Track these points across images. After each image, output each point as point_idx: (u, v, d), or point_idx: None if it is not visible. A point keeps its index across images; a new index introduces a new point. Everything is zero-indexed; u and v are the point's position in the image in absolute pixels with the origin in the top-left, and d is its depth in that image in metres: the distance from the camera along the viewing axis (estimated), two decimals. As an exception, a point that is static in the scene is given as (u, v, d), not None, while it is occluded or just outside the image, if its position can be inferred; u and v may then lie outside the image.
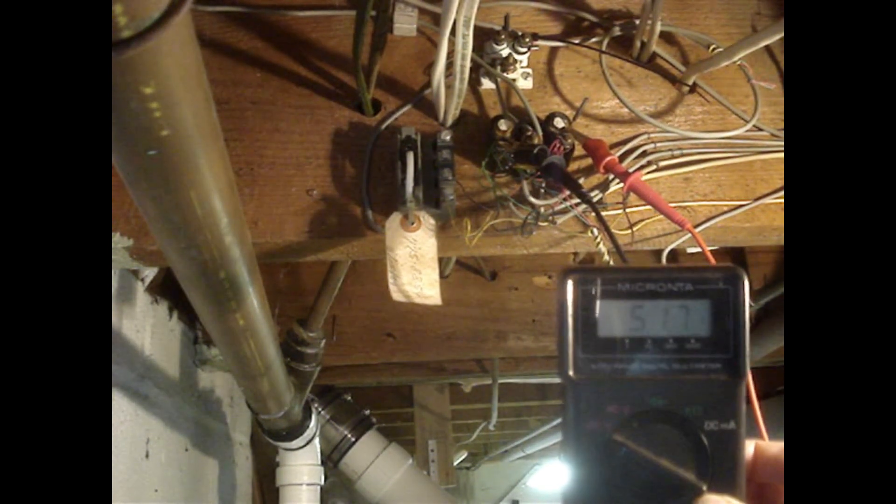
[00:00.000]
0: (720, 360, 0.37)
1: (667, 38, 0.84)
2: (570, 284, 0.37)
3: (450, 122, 0.77)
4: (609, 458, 0.36)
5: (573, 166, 0.76)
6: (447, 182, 0.70)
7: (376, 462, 1.53)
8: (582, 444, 0.37)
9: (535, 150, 0.69)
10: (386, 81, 0.79)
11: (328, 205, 0.74)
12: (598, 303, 0.37)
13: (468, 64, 0.67)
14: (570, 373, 0.37)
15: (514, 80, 0.79)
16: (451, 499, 1.67)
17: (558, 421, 2.23)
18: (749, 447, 0.39)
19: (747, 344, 0.37)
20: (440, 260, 0.87)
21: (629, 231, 0.75)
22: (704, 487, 0.36)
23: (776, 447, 0.40)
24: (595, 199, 0.73)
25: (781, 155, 0.79)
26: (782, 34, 0.67)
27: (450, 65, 0.69)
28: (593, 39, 0.83)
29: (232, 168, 0.43)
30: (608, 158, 0.72)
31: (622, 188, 0.70)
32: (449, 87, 0.72)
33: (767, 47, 0.83)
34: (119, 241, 0.71)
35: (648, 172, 0.76)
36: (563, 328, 0.37)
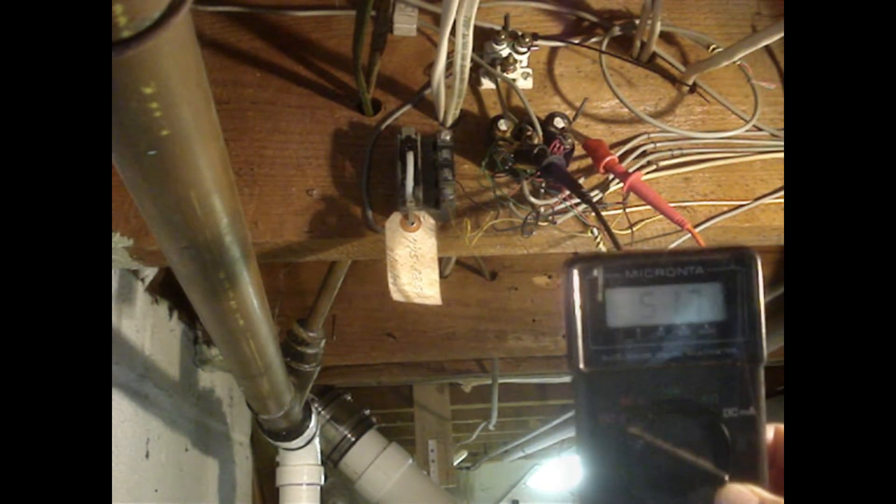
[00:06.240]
0: (736, 344, 0.35)
1: (667, 38, 0.84)
2: (574, 275, 0.35)
3: (450, 122, 0.77)
4: (625, 451, 0.35)
5: (573, 166, 0.76)
6: (447, 182, 0.70)
7: (376, 462, 1.53)
8: (597, 438, 0.35)
9: (535, 150, 0.69)
10: (386, 81, 0.79)
11: (328, 205, 0.74)
12: (605, 292, 0.35)
13: (468, 64, 0.67)
14: (581, 366, 0.35)
15: (514, 80, 0.79)
16: (451, 499, 1.67)
17: (559, 420, 2.22)
18: (769, 432, 0.38)
19: (763, 326, 0.35)
20: (440, 260, 0.87)
21: (629, 231, 0.75)
22: (726, 477, 0.35)
23: None
24: (595, 199, 0.73)
25: (781, 155, 0.79)
26: (782, 34, 0.67)
27: (450, 65, 0.69)
28: (593, 39, 0.83)
29: (232, 168, 0.43)
30: (608, 158, 0.72)
31: (622, 188, 0.70)
32: (449, 87, 0.72)
33: (767, 47, 0.83)
34: (119, 241, 0.71)
35: (648, 172, 0.76)
36: (571, 320, 0.35)
